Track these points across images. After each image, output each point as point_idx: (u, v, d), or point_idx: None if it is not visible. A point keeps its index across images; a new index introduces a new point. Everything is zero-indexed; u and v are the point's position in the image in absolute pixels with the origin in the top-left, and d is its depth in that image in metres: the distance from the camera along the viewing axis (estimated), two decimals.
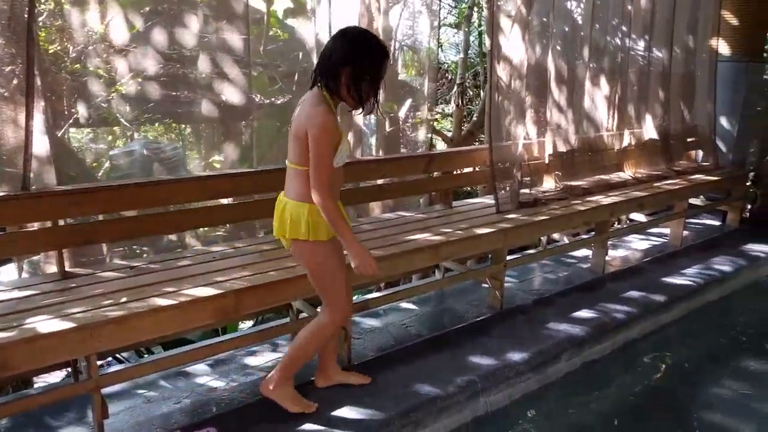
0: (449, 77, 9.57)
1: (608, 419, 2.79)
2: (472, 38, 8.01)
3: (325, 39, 3.53)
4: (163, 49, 3.14)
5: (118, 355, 3.46)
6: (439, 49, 10.02)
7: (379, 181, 3.48)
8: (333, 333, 2.35)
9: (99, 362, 2.42)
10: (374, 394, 2.45)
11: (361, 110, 2.12)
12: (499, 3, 3.91)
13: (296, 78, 3.73)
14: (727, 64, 5.28)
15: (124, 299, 2.23)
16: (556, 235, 4.30)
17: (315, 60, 3.60)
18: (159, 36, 3.09)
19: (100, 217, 2.68)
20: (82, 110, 2.96)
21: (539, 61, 4.09)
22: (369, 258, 2.12)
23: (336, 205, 2.08)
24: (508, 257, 3.47)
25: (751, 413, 2.85)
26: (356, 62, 2.02)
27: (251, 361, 2.85)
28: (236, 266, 2.64)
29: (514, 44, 3.86)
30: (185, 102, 3.35)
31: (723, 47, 5.29)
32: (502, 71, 3.88)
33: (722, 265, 4.24)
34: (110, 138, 4.14)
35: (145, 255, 2.97)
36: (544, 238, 4.51)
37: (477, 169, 3.95)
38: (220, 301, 2.33)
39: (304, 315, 2.77)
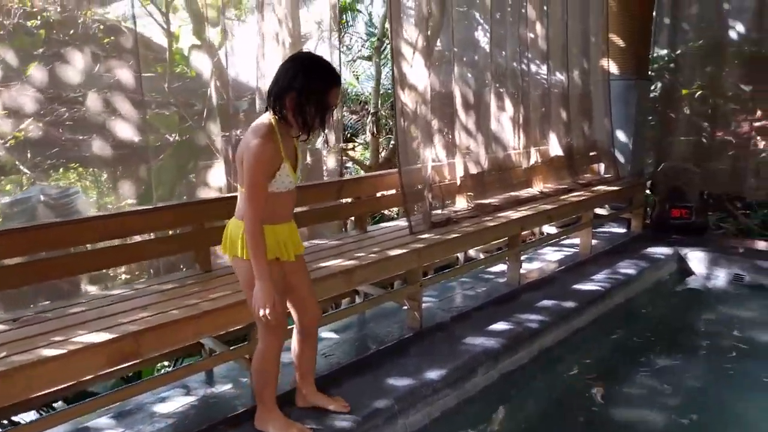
0: (368, 108, 9.76)
1: (527, 427, 2.83)
2: (386, 70, 8.24)
3: (232, 75, 3.54)
4: (55, 90, 3.03)
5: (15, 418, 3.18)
6: (357, 80, 10.28)
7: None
8: (276, 353, 2.29)
9: None
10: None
11: (305, 137, 2.12)
12: (401, 32, 4.04)
13: (205, 115, 3.69)
14: (619, 82, 5.70)
15: (3, 354, 2.06)
16: (472, 252, 4.40)
17: (222, 95, 3.61)
18: (50, 77, 2.98)
19: None
20: None
21: (444, 86, 4.25)
22: (268, 298, 2.07)
23: (259, 232, 2.06)
24: (428, 276, 3.51)
25: (662, 406, 2.97)
26: (302, 87, 2.02)
27: (161, 408, 2.70)
28: (136, 308, 2.52)
29: (417, 71, 3.99)
30: (84, 144, 3.23)
31: (613, 67, 5.71)
32: (407, 98, 3.98)
33: (627, 268, 4.48)
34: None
35: (31, 306, 2.78)
36: (461, 256, 4.62)
37: (388, 193, 4.01)
38: (116, 345, 2.21)
39: (217, 353, 2.67)
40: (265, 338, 2.26)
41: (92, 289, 3.02)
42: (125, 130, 3.04)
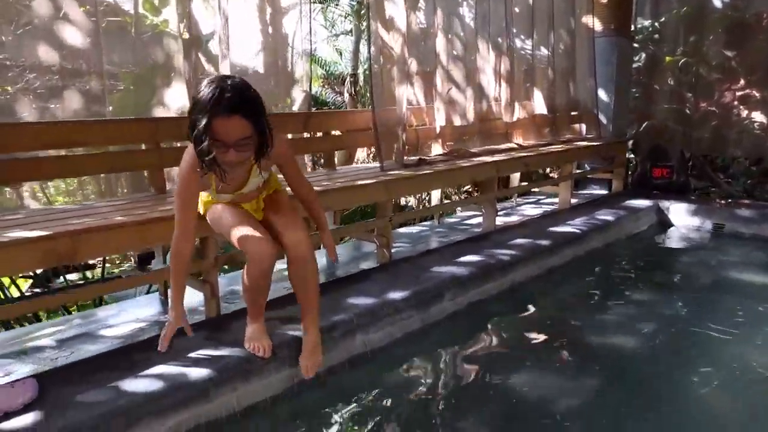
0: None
1: (498, 354, 2.72)
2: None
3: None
4: None
5: None
6: (340, 56, 10.12)
7: None
8: (254, 276, 2.12)
9: None
10: (234, 343, 2.23)
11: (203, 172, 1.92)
12: None
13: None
14: (600, 40, 5.60)
15: None
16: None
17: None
18: None
19: None
20: None
21: (426, 28, 4.12)
22: (171, 325, 2.08)
23: (176, 253, 2.04)
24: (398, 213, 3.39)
25: (635, 331, 2.89)
26: (189, 114, 1.83)
27: (109, 332, 2.56)
28: (79, 216, 2.38)
29: (398, 9, 3.82)
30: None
31: (597, 24, 5.61)
32: (385, 34, 3.84)
33: (605, 216, 4.38)
34: None
35: None
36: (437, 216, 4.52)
37: (360, 132, 3.88)
38: (51, 243, 2.06)
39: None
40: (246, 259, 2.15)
41: (34, 205, 2.86)
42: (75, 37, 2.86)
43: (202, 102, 1.76)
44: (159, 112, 3.10)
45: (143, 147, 2.87)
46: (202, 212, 2.24)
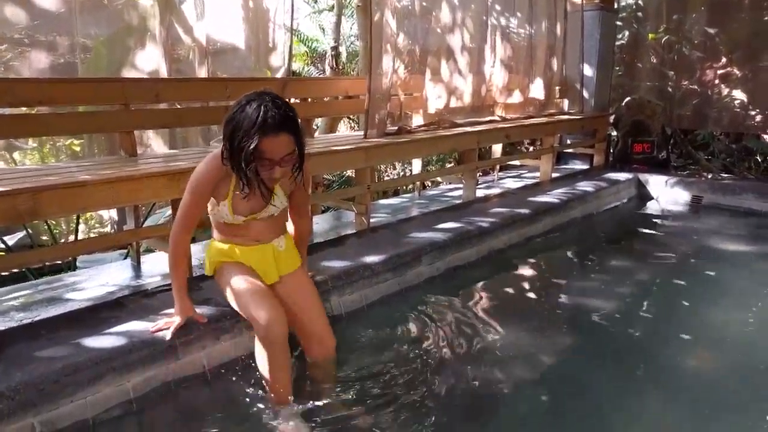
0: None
1: (474, 317, 2.70)
2: (349, 10, 7.99)
3: None
4: None
5: None
6: (323, 33, 9.95)
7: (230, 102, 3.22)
8: (269, 351, 1.84)
9: None
10: (204, 302, 2.18)
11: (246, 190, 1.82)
12: None
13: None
14: (585, 13, 5.55)
15: None
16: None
17: None
18: None
19: None
20: None
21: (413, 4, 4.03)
22: (176, 321, 1.94)
23: (174, 245, 1.92)
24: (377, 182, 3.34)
25: (612, 295, 2.91)
26: (229, 134, 1.73)
27: (77, 294, 2.49)
28: (43, 175, 2.30)
29: None
30: None
31: None
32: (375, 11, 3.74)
33: (585, 187, 4.38)
34: None
35: None
36: (418, 185, 4.48)
37: (341, 98, 3.82)
38: (9, 199, 1.99)
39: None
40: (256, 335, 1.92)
41: None
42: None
43: (247, 124, 1.69)
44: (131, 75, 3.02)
45: (112, 108, 2.78)
46: (207, 269, 2.07)
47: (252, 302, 1.86)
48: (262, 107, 1.70)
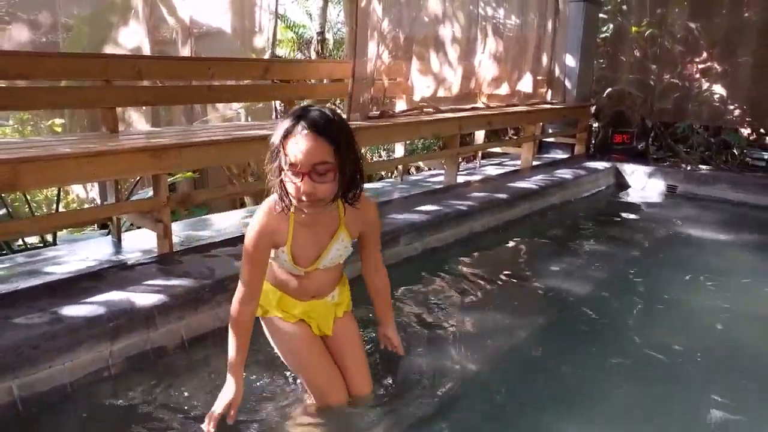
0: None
1: (449, 296, 2.76)
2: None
3: None
4: None
5: None
6: (310, 19, 9.94)
7: (213, 82, 3.23)
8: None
9: None
10: (183, 275, 2.22)
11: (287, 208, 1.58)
12: None
13: None
14: (569, 4, 5.61)
15: None
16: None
17: None
18: None
19: None
20: None
21: None
22: (232, 396, 1.59)
23: (236, 325, 1.64)
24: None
25: (586, 277, 2.99)
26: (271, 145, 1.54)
27: (57, 268, 2.51)
28: (24, 147, 2.31)
29: None
30: None
31: None
32: None
33: (564, 174, 4.47)
34: None
35: None
36: (400, 167, 4.53)
37: (326, 81, 3.85)
38: None
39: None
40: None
41: None
42: None
43: (282, 124, 1.50)
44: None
45: (94, 84, 2.79)
46: (259, 312, 1.77)
47: (316, 375, 1.74)
48: (303, 108, 1.52)
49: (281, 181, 1.51)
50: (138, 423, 1.69)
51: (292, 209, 1.58)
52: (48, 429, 1.66)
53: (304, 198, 1.49)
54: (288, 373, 1.91)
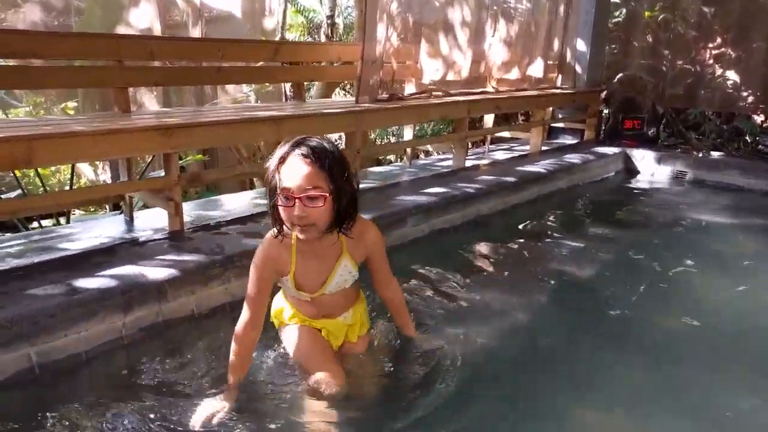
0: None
1: (457, 279, 2.79)
2: None
3: None
4: None
5: None
6: (320, 3, 9.90)
7: (222, 64, 3.26)
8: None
9: None
10: (194, 250, 2.27)
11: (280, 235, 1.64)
12: None
13: None
14: None
15: None
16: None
17: None
18: None
19: None
20: None
21: None
22: (221, 406, 1.62)
23: (238, 350, 1.68)
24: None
25: (592, 259, 3.01)
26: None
27: (71, 245, 2.57)
28: (38, 125, 2.36)
29: None
30: None
31: None
32: None
33: (572, 159, 4.46)
34: None
35: None
36: (409, 151, 4.54)
37: (335, 64, 3.86)
38: (7, 146, 2.05)
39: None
40: None
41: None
42: None
43: (280, 147, 1.54)
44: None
45: (106, 63, 2.82)
46: (273, 319, 1.89)
47: (317, 372, 1.73)
48: (301, 137, 1.55)
49: (274, 206, 1.54)
50: (149, 391, 1.74)
51: (292, 239, 1.63)
52: (64, 394, 1.72)
53: (296, 222, 1.51)
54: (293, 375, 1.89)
